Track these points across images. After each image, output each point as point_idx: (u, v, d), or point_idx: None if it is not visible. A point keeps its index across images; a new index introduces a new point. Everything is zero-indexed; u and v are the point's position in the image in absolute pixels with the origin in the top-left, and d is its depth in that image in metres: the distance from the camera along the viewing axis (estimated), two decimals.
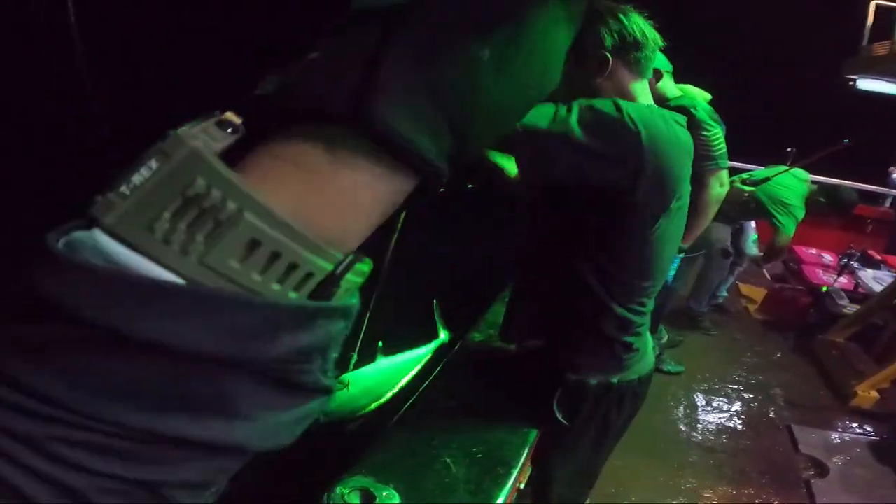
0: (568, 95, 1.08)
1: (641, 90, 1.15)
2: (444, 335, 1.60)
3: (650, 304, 1.25)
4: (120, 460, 0.20)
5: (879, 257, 4.41)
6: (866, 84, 4.94)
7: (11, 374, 0.19)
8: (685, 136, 1.13)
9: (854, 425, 3.14)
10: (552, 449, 1.35)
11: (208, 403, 0.21)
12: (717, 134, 2.19)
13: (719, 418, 2.99)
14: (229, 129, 0.23)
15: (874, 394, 3.19)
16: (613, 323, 1.19)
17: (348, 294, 0.25)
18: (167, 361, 0.20)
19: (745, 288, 4.80)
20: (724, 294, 4.08)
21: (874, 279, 3.97)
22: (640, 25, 1.11)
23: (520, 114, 0.30)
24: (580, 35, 0.31)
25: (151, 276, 0.20)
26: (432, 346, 1.58)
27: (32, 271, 0.20)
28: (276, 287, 0.22)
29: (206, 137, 0.21)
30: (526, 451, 1.21)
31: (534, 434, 1.27)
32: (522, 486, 1.31)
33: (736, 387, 3.32)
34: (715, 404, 3.11)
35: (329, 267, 0.23)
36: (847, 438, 3.02)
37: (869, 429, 3.11)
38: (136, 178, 0.20)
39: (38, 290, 0.19)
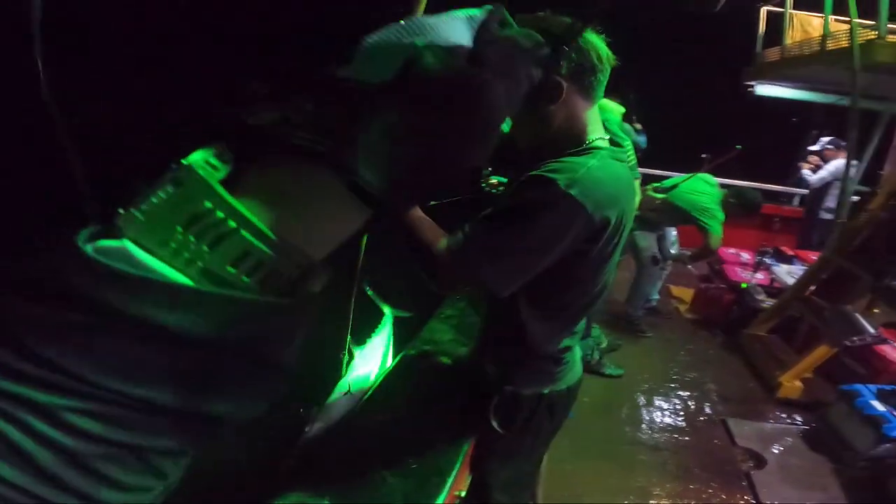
0: (517, 121, 1.03)
1: (592, 117, 1.12)
2: (386, 310, 1.63)
3: (582, 324, 1.33)
4: (120, 428, 0.24)
5: (792, 252, 4.73)
6: (763, 89, 5.34)
7: (34, 351, 0.23)
8: (625, 174, 1.12)
9: (784, 415, 3.27)
10: (489, 457, 1.40)
11: (198, 379, 0.26)
12: (627, 146, 2.31)
13: (660, 417, 3.08)
14: (226, 160, 0.29)
15: (798, 384, 3.34)
16: (551, 348, 1.26)
17: (314, 294, 0.31)
18: (170, 345, 0.25)
19: (675, 289, 5.03)
20: (657, 297, 4.26)
21: (788, 273, 4.21)
22: (596, 48, 1.05)
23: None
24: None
25: (169, 279, 0.25)
26: (386, 321, 1.64)
27: (61, 266, 0.25)
28: (260, 288, 0.28)
29: (209, 167, 0.28)
30: (460, 459, 1.24)
31: (468, 443, 1.31)
32: (463, 493, 1.36)
33: (673, 385, 3.44)
34: (656, 403, 3.20)
35: (297, 273, 0.29)
36: (779, 429, 3.14)
37: (798, 418, 3.24)
38: (155, 199, 0.26)
39: (70, 284, 0.24)
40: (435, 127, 0.32)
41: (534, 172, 1.02)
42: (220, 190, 0.26)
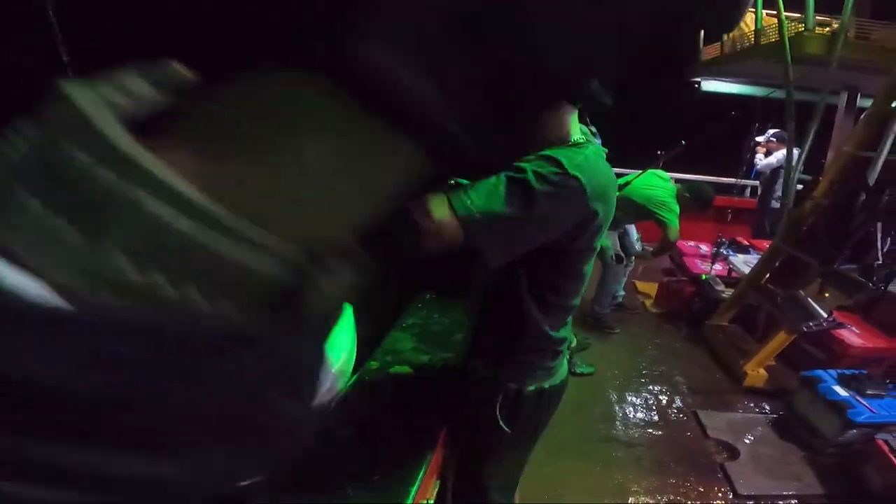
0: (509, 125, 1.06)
1: (574, 121, 1.18)
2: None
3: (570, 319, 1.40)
4: None
5: (747, 242, 4.92)
6: (709, 86, 5.56)
7: None
8: (610, 171, 1.18)
9: (751, 405, 3.32)
10: (488, 458, 1.46)
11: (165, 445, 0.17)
12: None
13: (633, 412, 3.12)
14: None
15: (762, 372, 3.41)
16: (549, 343, 1.32)
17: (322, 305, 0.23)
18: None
19: (640, 285, 5.15)
20: (622, 293, 4.35)
21: (744, 263, 4.38)
22: None
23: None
24: None
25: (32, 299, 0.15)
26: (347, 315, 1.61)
27: None
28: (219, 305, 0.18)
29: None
30: (423, 468, 1.26)
31: (431, 452, 1.33)
32: (431, 501, 1.38)
33: (643, 380, 3.49)
34: (628, 399, 3.24)
35: (286, 276, 0.19)
36: (748, 418, 3.18)
37: (766, 407, 3.30)
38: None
39: None
40: None
41: (537, 154, 1.06)
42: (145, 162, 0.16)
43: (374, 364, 1.69)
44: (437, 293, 2.29)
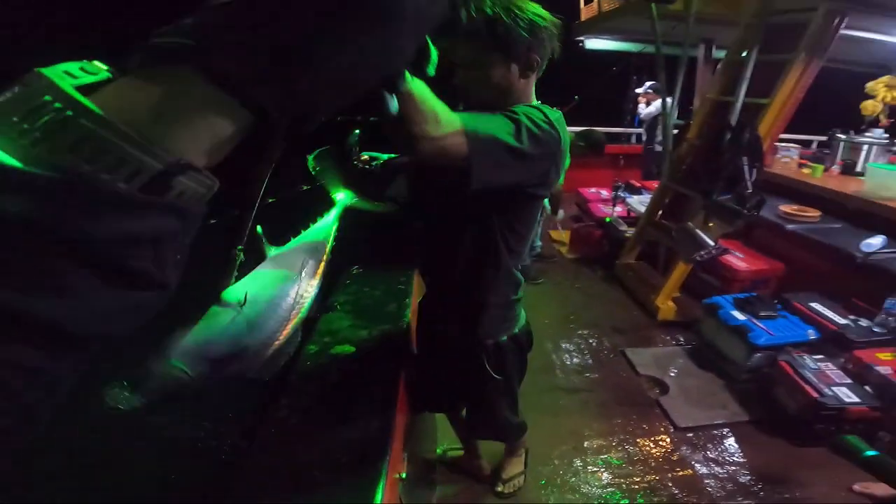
0: (478, 83, 1.19)
1: (532, 86, 1.31)
2: (343, 196, 1.25)
3: None
4: None
5: (639, 184, 5.37)
6: (591, 44, 5.87)
7: None
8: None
9: (668, 338, 3.56)
10: (489, 397, 1.68)
11: (35, 277, 0.24)
12: None
13: (569, 359, 3.27)
14: (91, 72, 0.29)
15: (671, 304, 3.72)
16: (512, 287, 1.50)
17: (187, 198, 0.29)
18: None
19: (554, 234, 5.45)
20: (539, 243, 4.54)
21: (639, 203, 4.76)
22: (554, 39, 1.24)
23: (362, 81, 0.37)
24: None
25: None
26: (336, 210, 1.20)
27: None
28: (104, 177, 0.26)
29: (65, 75, 0.28)
30: (390, 441, 1.22)
31: (393, 423, 1.29)
32: (404, 475, 1.36)
33: (572, 325, 3.68)
34: (562, 347, 3.40)
35: (157, 166, 0.27)
36: (669, 352, 3.38)
37: (681, 338, 3.54)
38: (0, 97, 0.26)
39: None
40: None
41: (519, 106, 1.19)
42: (63, 84, 0.26)
43: (312, 348, 1.62)
44: (365, 266, 2.24)
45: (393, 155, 2.02)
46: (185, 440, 1.46)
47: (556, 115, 1.21)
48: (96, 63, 0.30)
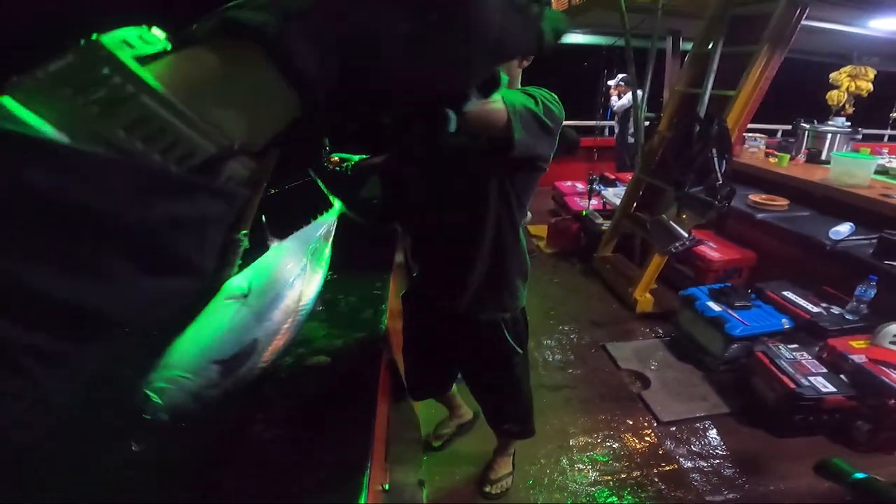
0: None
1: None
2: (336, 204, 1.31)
3: None
4: None
5: (613, 176, 5.42)
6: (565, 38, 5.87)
7: None
8: None
9: (647, 330, 3.55)
10: (517, 377, 1.74)
11: (72, 261, 0.22)
12: None
13: (551, 355, 3.26)
14: (149, 41, 0.27)
15: (649, 296, 3.74)
16: (522, 261, 1.55)
17: (234, 182, 0.29)
18: (40, 211, 0.21)
19: (532, 228, 5.44)
20: None
21: (614, 195, 4.80)
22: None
23: (444, 80, 0.35)
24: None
25: (43, 135, 0.22)
26: (332, 214, 1.27)
27: None
28: (157, 158, 0.25)
29: (123, 45, 0.26)
30: (370, 453, 1.19)
31: (373, 435, 1.26)
32: (387, 486, 1.34)
33: (552, 321, 3.67)
34: (544, 343, 3.39)
35: (210, 148, 0.27)
36: (648, 345, 3.37)
37: (660, 330, 3.53)
38: (53, 66, 0.24)
39: None
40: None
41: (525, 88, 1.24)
42: (124, 58, 0.25)
43: (287, 360, 1.53)
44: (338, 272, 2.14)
45: (363, 156, 1.98)
46: (160, 458, 1.40)
47: (553, 93, 1.28)
48: (154, 31, 0.28)
